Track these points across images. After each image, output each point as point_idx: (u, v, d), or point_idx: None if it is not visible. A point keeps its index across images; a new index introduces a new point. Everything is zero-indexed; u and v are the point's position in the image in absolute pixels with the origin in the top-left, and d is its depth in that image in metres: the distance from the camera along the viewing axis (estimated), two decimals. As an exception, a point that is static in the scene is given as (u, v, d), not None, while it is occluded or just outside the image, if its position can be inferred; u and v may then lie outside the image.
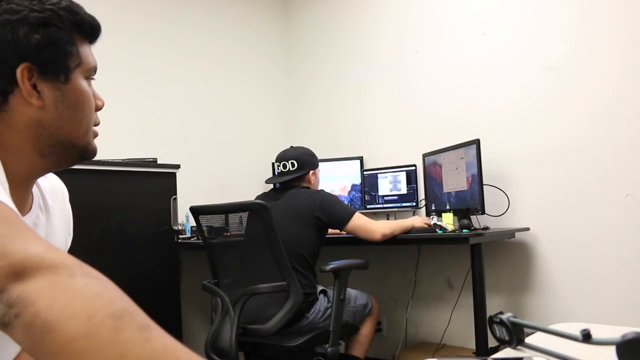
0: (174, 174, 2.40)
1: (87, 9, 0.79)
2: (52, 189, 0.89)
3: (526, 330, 0.66)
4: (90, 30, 0.78)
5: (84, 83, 0.77)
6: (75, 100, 0.76)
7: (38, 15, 0.71)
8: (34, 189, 0.82)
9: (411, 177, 2.94)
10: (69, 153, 0.78)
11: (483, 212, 2.36)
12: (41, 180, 0.86)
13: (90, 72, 0.79)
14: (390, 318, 3.13)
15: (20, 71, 0.70)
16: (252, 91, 3.51)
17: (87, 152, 0.80)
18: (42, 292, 0.44)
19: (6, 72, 0.70)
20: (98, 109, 0.81)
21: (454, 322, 2.83)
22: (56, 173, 0.89)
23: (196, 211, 2.17)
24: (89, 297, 0.43)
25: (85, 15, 0.77)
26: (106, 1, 2.65)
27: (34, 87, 0.72)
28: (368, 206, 3.07)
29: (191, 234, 2.82)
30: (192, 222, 2.51)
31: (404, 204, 2.96)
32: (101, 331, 0.40)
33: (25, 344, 0.43)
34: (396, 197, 2.98)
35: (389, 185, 3.01)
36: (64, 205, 0.92)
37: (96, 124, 0.81)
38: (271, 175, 3.15)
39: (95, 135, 0.81)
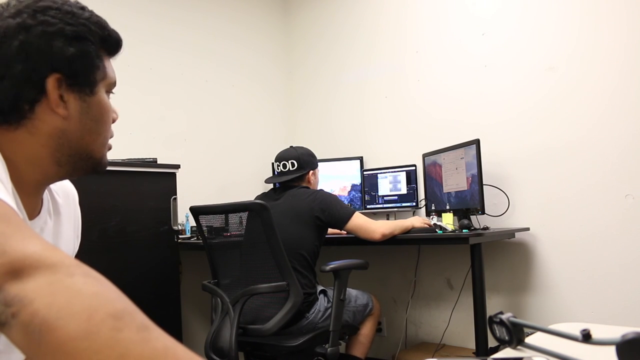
0: (174, 174, 2.40)
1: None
2: (63, 191, 0.89)
3: (526, 330, 0.66)
4: (115, 45, 0.80)
5: (105, 97, 0.79)
6: (98, 113, 0.78)
7: (73, 29, 0.73)
8: (45, 193, 0.82)
9: (411, 177, 2.94)
10: (84, 164, 0.79)
11: (483, 212, 2.36)
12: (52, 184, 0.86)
13: (111, 87, 0.81)
14: (390, 318, 3.13)
15: (51, 81, 0.71)
16: (252, 91, 3.51)
17: (100, 165, 0.82)
18: (40, 291, 0.43)
19: (37, 81, 0.71)
20: (113, 121, 0.83)
21: (454, 322, 2.83)
22: None
23: (196, 211, 2.17)
24: (89, 297, 0.43)
25: (112, 31, 0.79)
26: (106, 0, 2.65)
27: (61, 97, 0.73)
28: (368, 206, 3.07)
29: (191, 234, 2.82)
30: (192, 222, 2.51)
31: (404, 204, 2.96)
32: (101, 331, 0.40)
33: (23, 344, 0.43)
34: (396, 197, 2.98)
35: (389, 185, 3.01)
36: (74, 208, 0.92)
37: (110, 137, 0.83)
38: (271, 175, 3.15)
39: (109, 148, 0.82)
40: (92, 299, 0.43)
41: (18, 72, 0.70)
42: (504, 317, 0.66)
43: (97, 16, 0.78)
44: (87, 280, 0.45)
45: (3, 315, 0.44)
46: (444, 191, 2.61)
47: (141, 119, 2.87)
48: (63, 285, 0.44)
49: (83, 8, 0.76)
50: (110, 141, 0.83)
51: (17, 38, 0.70)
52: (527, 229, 2.55)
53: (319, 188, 2.48)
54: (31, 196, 0.76)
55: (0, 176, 0.61)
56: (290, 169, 2.39)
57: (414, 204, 2.93)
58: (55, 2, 0.74)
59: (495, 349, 1.85)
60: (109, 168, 2.32)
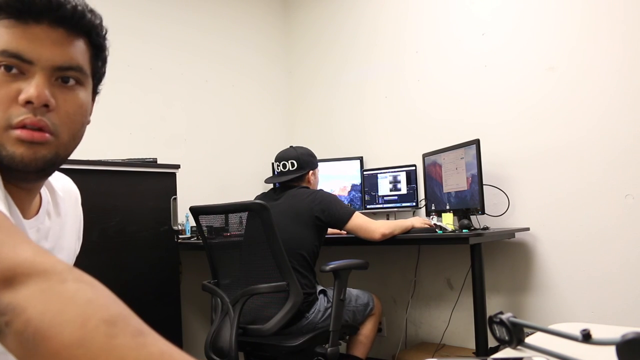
0: (174, 174, 2.40)
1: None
2: (65, 192, 0.87)
3: (526, 330, 0.66)
4: (5, 5, 0.66)
5: None
6: None
7: None
8: (45, 193, 0.80)
9: (411, 177, 2.94)
10: None
11: (483, 212, 2.36)
12: (55, 183, 0.84)
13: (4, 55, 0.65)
14: (390, 318, 3.12)
15: None
16: (252, 91, 3.51)
17: None
18: (33, 299, 0.43)
19: None
20: (21, 102, 0.66)
21: (454, 322, 2.83)
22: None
23: (196, 211, 2.17)
24: (82, 303, 0.42)
25: None
26: (105, 0, 2.65)
27: None
28: (368, 206, 3.07)
29: (191, 234, 2.82)
30: (192, 222, 2.51)
31: (404, 204, 2.96)
32: (96, 338, 0.39)
33: (18, 352, 0.42)
34: (396, 197, 2.98)
35: (389, 185, 3.01)
36: (76, 209, 0.91)
37: (19, 125, 0.66)
38: (271, 175, 3.15)
39: (19, 138, 0.66)
40: (85, 305, 0.42)
41: None
42: (504, 317, 0.66)
43: None
44: (79, 286, 0.45)
45: None
46: (444, 191, 2.60)
47: (141, 118, 2.87)
48: (55, 292, 0.44)
49: None
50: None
51: None
52: (527, 229, 2.55)
53: (319, 188, 2.48)
54: (25, 195, 0.74)
55: None
56: (290, 169, 2.39)
57: (414, 204, 2.93)
58: None
59: (495, 349, 1.85)
60: (109, 168, 2.31)
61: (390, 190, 3.00)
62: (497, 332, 0.67)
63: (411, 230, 2.34)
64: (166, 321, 2.29)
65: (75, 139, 0.73)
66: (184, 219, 2.80)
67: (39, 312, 0.42)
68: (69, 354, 0.39)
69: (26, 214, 0.75)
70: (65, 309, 0.42)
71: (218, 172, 3.24)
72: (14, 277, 0.45)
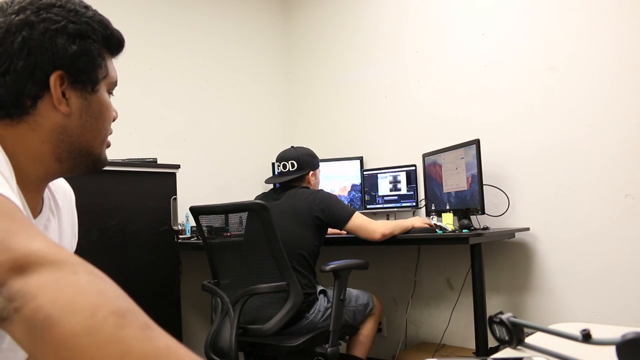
0: (174, 174, 2.40)
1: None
2: (61, 191, 0.90)
3: (526, 330, 0.66)
4: (117, 45, 0.81)
5: (106, 95, 0.81)
6: (98, 111, 0.78)
7: (76, 27, 0.74)
8: (45, 192, 0.82)
9: (411, 177, 2.94)
10: (84, 161, 0.80)
11: (483, 212, 2.36)
12: (51, 183, 0.86)
13: (112, 86, 0.82)
14: (390, 318, 3.13)
15: (53, 78, 0.72)
16: (252, 91, 3.51)
17: (100, 162, 0.82)
18: (44, 287, 0.44)
19: (40, 77, 0.72)
20: (113, 120, 0.84)
21: (454, 322, 2.83)
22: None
23: (196, 211, 2.17)
24: (92, 294, 0.43)
25: (114, 31, 0.80)
26: (106, 0, 2.65)
27: (63, 94, 0.74)
28: (368, 206, 3.07)
29: (191, 234, 2.82)
30: (192, 222, 2.51)
31: (404, 204, 2.96)
32: (104, 328, 0.40)
33: (24, 339, 0.43)
34: (396, 197, 2.98)
35: (389, 185, 3.01)
36: (71, 208, 0.93)
37: (109, 134, 0.84)
38: (271, 175, 3.15)
39: (108, 145, 0.83)
40: (95, 296, 0.43)
41: (20, 68, 0.70)
42: (504, 317, 0.66)
43: (100, 15, 0.79)
44: (90, 278, 0.46)
45: (5, 311, 0.44)
46: (444, 191, 2.60)
47: (141, 118, 2.87)
48: (67, 282, 0.44)
49: (86, 7, 0.77)
50: (110, 141, 0.84)
51: (20, 34, 0.70)
52: (527, 229, 2.55)
53: (319, 188, 2.48)
54: (33, 193, 0.76)
55: (4, 174, 0.61)
56: (290, 169, 2.39)
57: (414, 204, 2.93)
58: None
59: (495, 349, 1.85)
60: (109, 168, 2.31)
61: (390, 190, 3.00)
62: (497, 332, 0.67)
63: (411, 230, 2.34)
64: (166, 321, 2.29)
65: None
66: (184, 219, 2.80)
67: (50, 300, 0.43)
68: (76, 342, 0.40)
69: (33, 212, 0.77)
70: (76, 299, 0.43)
71: (218, 172, 3.24)
72: (26, 265, 0.46)
